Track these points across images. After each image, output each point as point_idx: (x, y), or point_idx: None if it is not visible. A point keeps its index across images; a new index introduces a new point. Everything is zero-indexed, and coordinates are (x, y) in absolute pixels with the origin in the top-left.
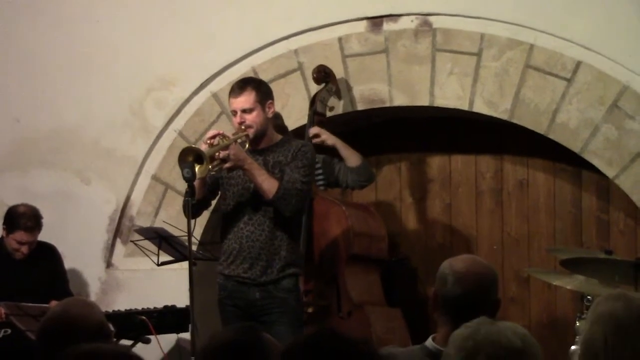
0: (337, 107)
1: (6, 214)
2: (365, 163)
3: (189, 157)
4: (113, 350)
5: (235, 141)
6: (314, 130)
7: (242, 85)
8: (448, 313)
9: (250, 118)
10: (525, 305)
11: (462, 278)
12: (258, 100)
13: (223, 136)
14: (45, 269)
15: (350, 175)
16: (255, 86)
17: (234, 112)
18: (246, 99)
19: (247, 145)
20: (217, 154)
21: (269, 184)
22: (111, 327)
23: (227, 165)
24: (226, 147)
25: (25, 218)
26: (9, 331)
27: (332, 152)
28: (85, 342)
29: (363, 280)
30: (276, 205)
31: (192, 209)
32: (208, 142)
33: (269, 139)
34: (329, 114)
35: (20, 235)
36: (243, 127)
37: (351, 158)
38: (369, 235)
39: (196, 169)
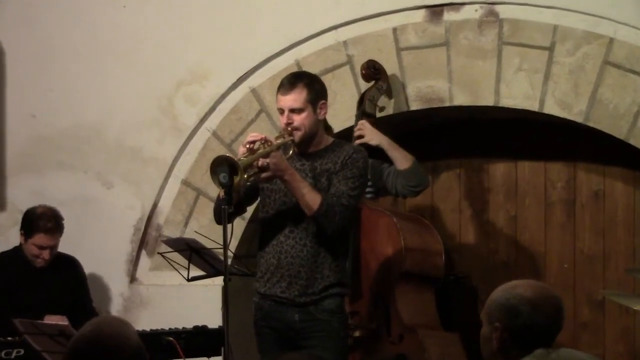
0: (388, 107)
1: (24, 217)
2: (416, 165)
3: (221, 166)
4: None
5: (278, 148)
6: (358, 127)
7: (292, 81)
8: (522, 346)
9: (298, 119)
10: (599, 331)
11: (539, 305)
12: (309, 100)
13: (265, 141)
14: (67, 282)
15: (400, 180)
16: (308, 83)
17: (281, 111)
18: (296, 98)
19: (290, 151)
20: (255, 162)
21: (310, 198)
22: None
23: (264, 175)
24: (267, 155)
25: (44, 219)
26: (22, 351)
27: (382, 154)
28: None
29: (416, 301)
30: (318, 222)
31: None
32: (248, 146)
33: (318, 142)
34: (378, 114)
35: (40, 238)
36: (289, 129)
37: (400, 160)
38: (423, 250)
39: None
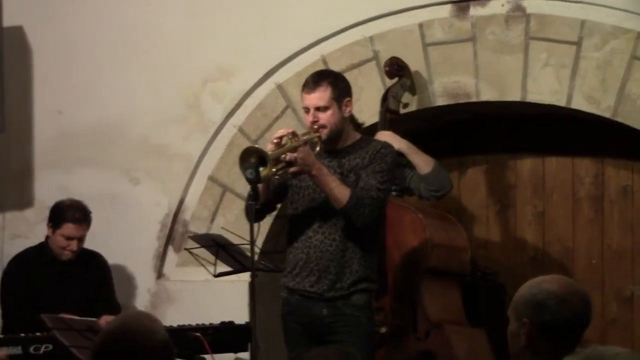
0: (412, 103)
1: (51, 210)
2: (437, 169)
3: (250, 158)
4: None
5: (305, 143)
6: (378, 134)
7: (317, 79)
8: (550, 341)
9: (324, 117)
10: (627, 328)
11: (566, 299)
12: (334, 98)
13: (293, 135)
14: (92, 277)
15: (422, 184)
16: (332, 81)
17: (307, 110)
18: (321, 96)
19: (317, 148)
20: (283, 156)
21: (339, 192)
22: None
23: (292, 169)
24: (294, 149)
25: (72, 210)
26: (51, 347)
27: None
28: None
29: (442, 297)
30: (347, 215)
31: (255, 214)
32: (275, 141)
33: (345, 139)
34: (402, 111)
35: (68, 228)
36: (316, 127)
37: (421, 165)
38: (449, 247)
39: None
